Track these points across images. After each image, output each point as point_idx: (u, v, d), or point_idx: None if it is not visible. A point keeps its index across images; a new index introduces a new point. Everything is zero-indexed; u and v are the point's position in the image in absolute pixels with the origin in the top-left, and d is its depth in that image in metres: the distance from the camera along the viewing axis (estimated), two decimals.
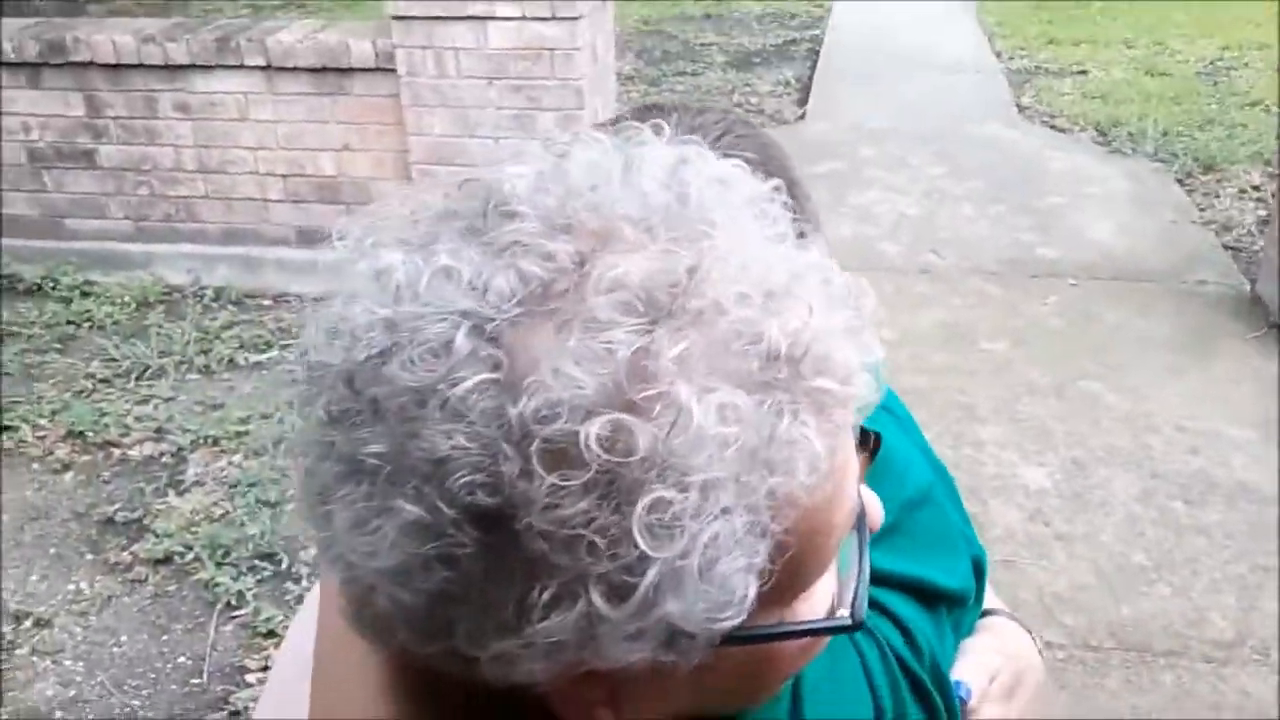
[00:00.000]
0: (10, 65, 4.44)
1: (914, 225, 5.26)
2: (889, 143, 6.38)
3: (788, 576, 0.52)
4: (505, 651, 0.48)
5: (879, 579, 0.72)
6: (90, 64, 4.41)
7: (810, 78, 7.76)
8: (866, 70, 7.84)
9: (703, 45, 8.73)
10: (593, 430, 0.44)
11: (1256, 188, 5.50)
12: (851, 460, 0.55)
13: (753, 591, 0.49)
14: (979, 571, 0.89)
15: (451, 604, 0.48)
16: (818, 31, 9.14)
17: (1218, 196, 5.49)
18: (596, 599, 0.46)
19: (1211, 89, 7.18)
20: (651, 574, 0.46)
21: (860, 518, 0.58)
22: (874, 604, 0.73)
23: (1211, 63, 7.79)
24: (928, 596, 0.77)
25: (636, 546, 0.45)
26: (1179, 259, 4.82)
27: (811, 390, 0.48)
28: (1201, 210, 5.35)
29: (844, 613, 0.57)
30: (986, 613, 0.93)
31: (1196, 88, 7.18)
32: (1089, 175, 5.81)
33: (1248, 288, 4.51)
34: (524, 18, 3.99)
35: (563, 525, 0.45)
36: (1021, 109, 6.97)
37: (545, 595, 0.46)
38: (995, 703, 0.82)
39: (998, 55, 8.26)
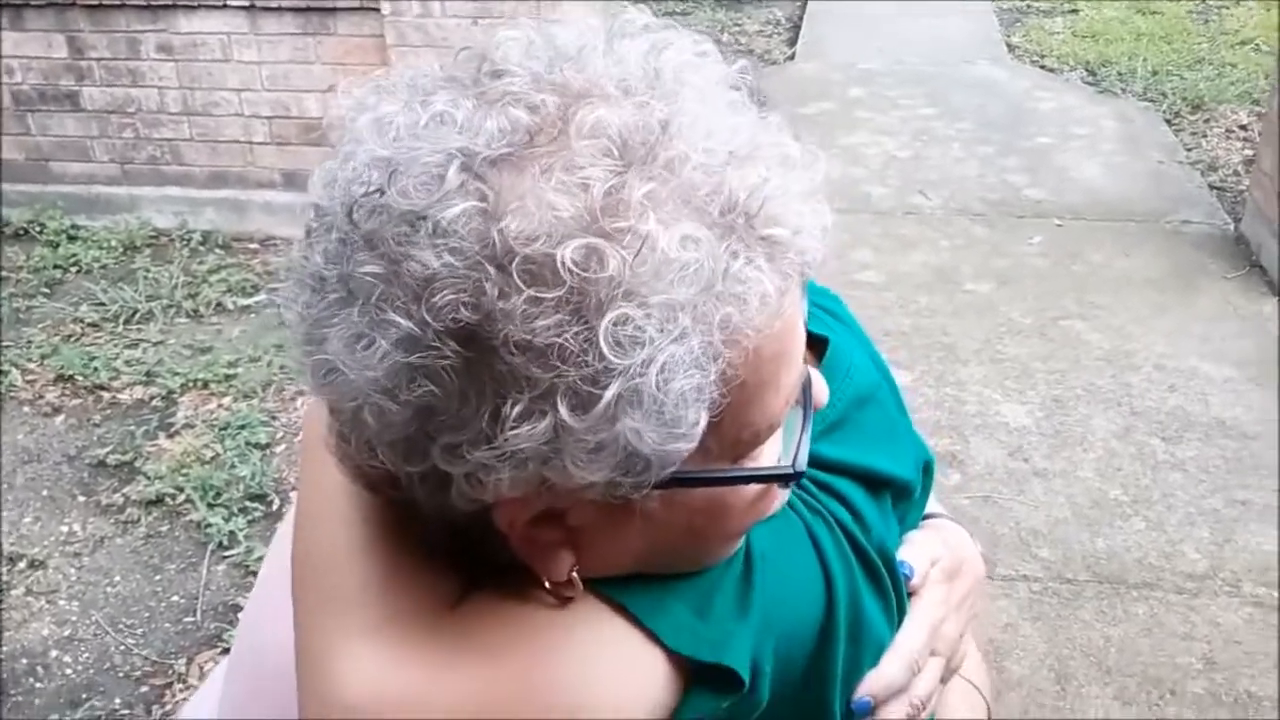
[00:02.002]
0: None
1: (902, 167, 5.25)
2: (878, 83, 6.35)
3: (735, 418, 0.57)
4: (479, 463, 0.52)
5: (828, 466, 0.78)
6: (72, 4, 4.37)
7: (800, 17, 7.69)
8: (856, 10, 7.76)
9: None
10: (567, 251, 0.49)
11: (1244, 127, 5.49)
12: (799, 321, 0.60)
13: (703, 420, 0.54)
14: (927, 471, 0.94)
15: (431, 417, 0.52)
16: None
17: (1205, 136, 5.49)
18: (563, 410, 0.51)
19: (1203, 27, 7.14)
20: (614, 386, 0.50)
21: (805, 390, 0.63)
22: (823, 486, 0.77)
23: (1203, 1, 7.73)
24: (874, 484, 0.82)
25: (602, 357, 0.50)
26: (1165, 199, 4.83)
27: (765, 237, 0.53)
28: (1189, 150, 5.35)
29: (785, 463, 0.62)
30: (930, 516, 0.97)
31: (1187, 26, 7.14)
32: (1078, 115, 5.79)
33: (1232, 227, 4.53)
34: None
35: (536, 337, 0.50)
36: (1011, 48, 6.93)
37: (517, 408, 0.51)
38: (938, 584, 0.86)
39: None
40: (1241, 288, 4.10)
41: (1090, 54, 6.59)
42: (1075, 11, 7.51)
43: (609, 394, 0.51)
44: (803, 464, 0.62)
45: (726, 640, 0.66)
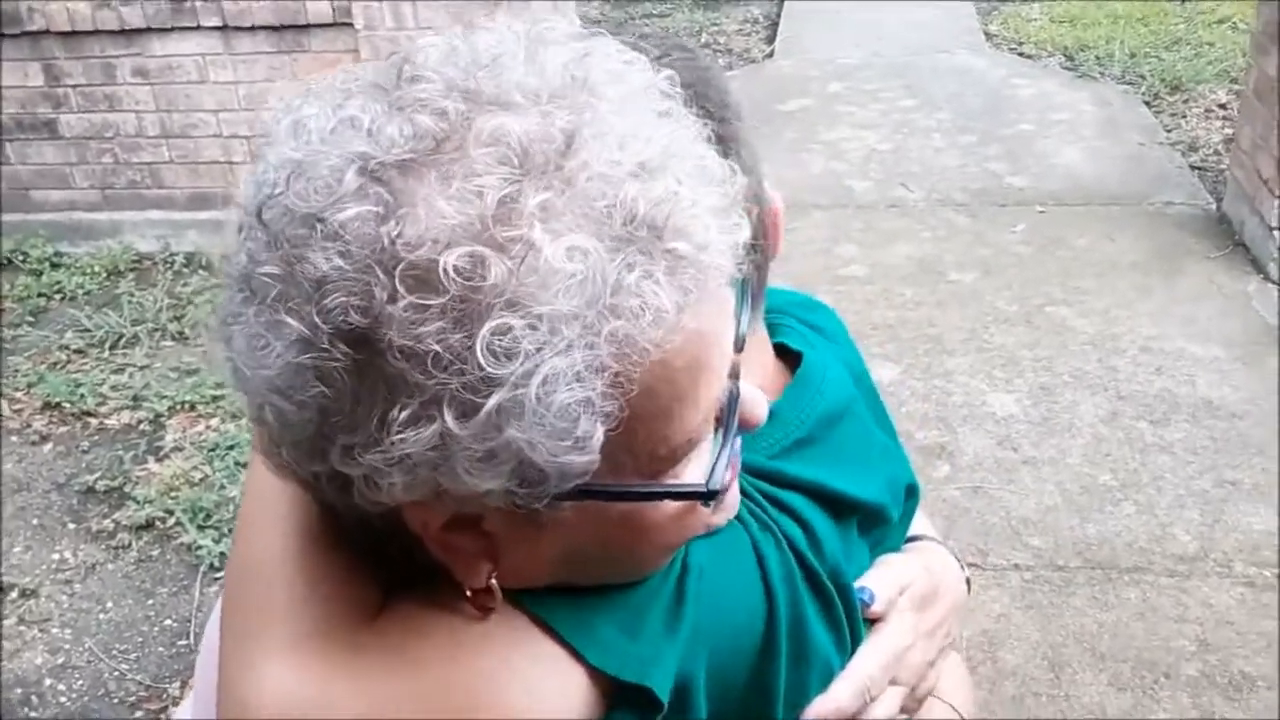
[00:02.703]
0: None
1: (883, 160, 5.26)
2: (858, 77, 6.36)
3: (648, 432, 0.56)
4: (372, 467, 0.52)
5: (787, 483, 0.76)
6: (46, 32, 4.37)
7: (778, 15, 7.69)
8: (833, 5, 7.77)
9: None
10: (451, 259, 0.49)
11: (1223, 106, 5.50)
12: (720, 335, 0.59)
13: (598, 433, 0.53)
14: (910, 495, 0.92)
15: (326, 419, 0.53)
16: None
17: (1184, 117, 5.50)
18: (448, 418, 0.51)
19: (1179, 8, 7.14)
20: (495, 396, 0.50)
21: (730, 406, 0.62)
22: (777, 503, 0.76)
23: None
24: (836, 506, 0.80)
25: (480, 367, 0.50)
26: (1146, 181, 4.84)
27: (667, 251, 0.53)
28: (1168, 131, 5.36)
29: (700, 480, 0.61)
30: (916, 539, 0.95)
31: (1164, 7, 7.15)
32: (1057, 101, 5.80)
33: (1214, 207, 4.54)
34: None
35: (419, 343, 0.50)
36: (989, 37, 6.93)
37: (404, 413, 0.51)
38: (906, 611, 0.84)
39: None
40: (1225, 267, 4.11)
41: (1068, 39, 6.60)
42: None
43: (490, 403, 0.51)
44: (718, 482, 0.60)
45: (652, 659, 0.65)
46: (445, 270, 0.49)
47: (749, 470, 0.74)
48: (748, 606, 0.71)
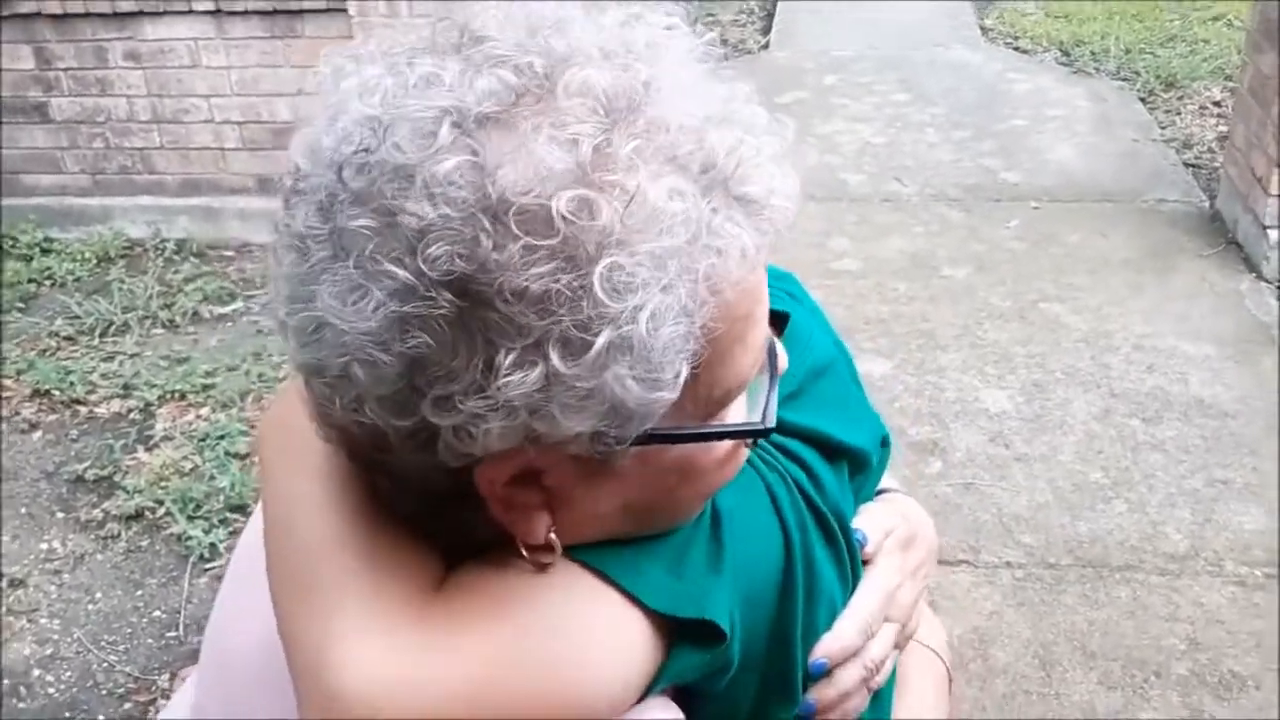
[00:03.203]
0: None
1: (878, 153, 5.25)
2: (853, 70, 6.35)
3: (709, 375, 0.59)
4: (470, 414, 0.53)
5: (786, 430, 0.80)
6: (38, 15, 4.33)
7: (774, 6, 7.67)
8: None
9: None
10: (561, 202, 0.51)
11: (1217, 104, 5.50)
12: (764, 286, 0.62)
13: (684, 371, 0.56)
14: (884, 444, 0.97)
15: (423, 369, 0.53)
16: None
17: (1179, 114, 5.50)
18: (555, 358, 0.52)
19: (1174, 5, 7.13)
20: (606, 333, 0.52)
21: (771, 354, 0.66)
22: (781, 449, 0.80)
23: None
24: (829, 450, 0.84)
25: (596, 303, 0.52)
26: (1140, 178, 4.84)
27: (741, 196, 0.56)
28: (1163, 128, 5.36)
29: (755, 418, 0.65)
30: (884, 491, 0.99)
31: (1159, 4, 7.14)
32: (1052, 97, 5.80)
33: (1207, 204, 4.54)
34: None
35: (531, 284, 0.51)
36: (985, 31, 6.92)
37: (510, 357, 0.53)
38: (892, 552, 0.88)
39: None
40: (1218, 265, 4.11)
41: (1063, 34, 6.59)
42: None
43: (601, 340, 0.52)
44: (772, 420, 0.64)
45: (704, 595, 0.68)
46: (557, 212, 0.51)
47: None
48: (770, 546, 0.75)
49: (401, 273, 0.52)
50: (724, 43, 6.96)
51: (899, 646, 0.89)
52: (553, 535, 0.63)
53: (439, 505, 0.63)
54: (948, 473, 3.12)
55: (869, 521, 0.88)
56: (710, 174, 0.55)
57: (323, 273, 0.55)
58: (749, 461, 0.74)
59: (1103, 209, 4.57)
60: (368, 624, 0.61)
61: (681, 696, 0.72)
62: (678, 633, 0.67)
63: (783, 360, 0.71)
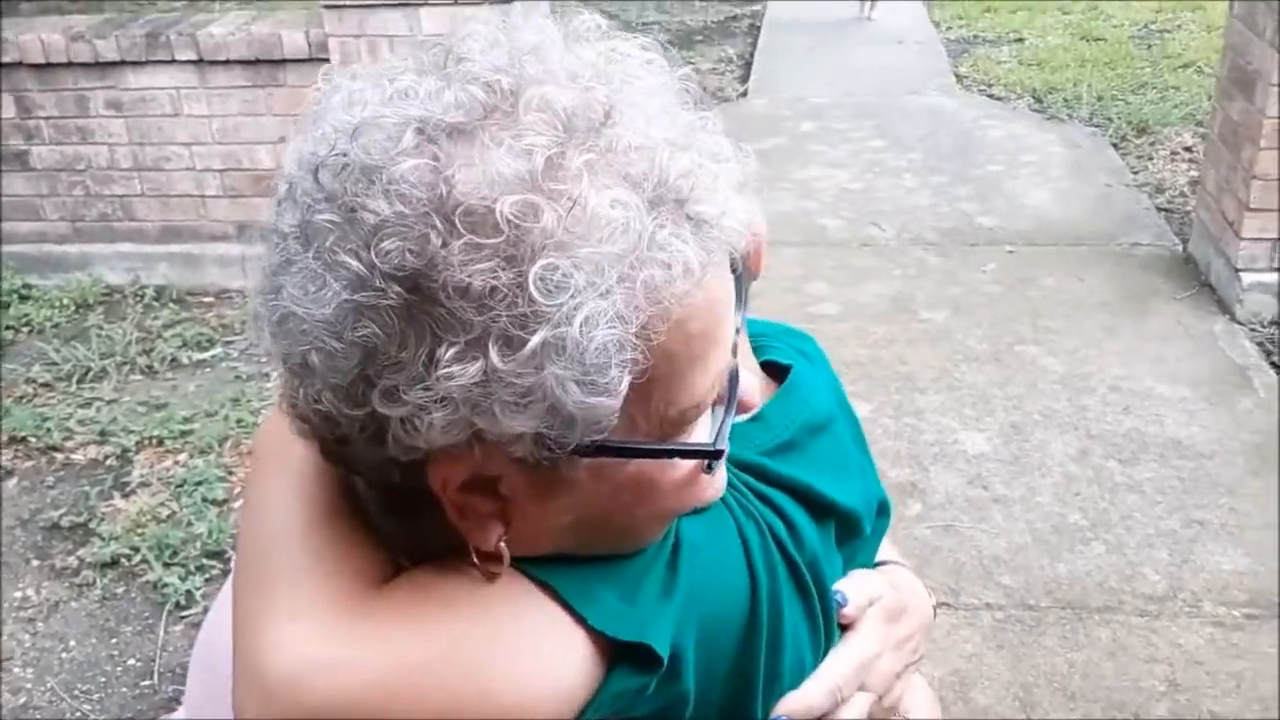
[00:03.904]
0: None
1: (855, 199, 5.31)
2: (830, 117, 6.43)
3: (662, 394, 0.61)
4: (414, 405, 0.56)
5: (771, 480, 0.80)
6: (20, 64, 4.36)
7: (752, 54, 7.79)
8: (807, 45, 7.88)
9: (644, 24, 8.72)
10: (506, 205, 0.54)
11: (1189, 149, 5.60)
12: (726, 308, 0.64)
13: (625, 380, 0.57)
14: (882, 512, 0.96)
15: (373, 359, 0.56)
16: (759, 7, 9.17)
17: (1151, 159, 5.59)
18: (493, 353, 0.55)
19: (1145, 53, 7.28)
20: (541, 332, 0.55)
21: (732, 380, 0.67)
22: (761, 496, 0.79)
23: (1145, 26, 7.90)
24: (817, 508, 0.83)
25: (531, 301, 0.54)
26: (1114, 222, 4.90)
27: (693, 216, 0.58)
28: (1135, 173, 5.44)
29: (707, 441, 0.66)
30: (885, 563, 0.98)
31: (1130, 52, 7.28)
32: (1026, 143, 5.88)
33: (1180, 248, 4.60)
34: (456, 2, 3.98)
35: (473, 280, 0.54)
36: (960, 78, 7.03)
37: (451, 350, 0.55)
38: (877, 621, 0.87)
39: (936, 25, 8.33)
40: (1192, 307, 4.16)
41: (1037, 81, 6.70)
42: (1021, 40, 7.65)
43: (536, 339, 0.55)
44: (723, 444, 0.65)
45: (648, 621, 0.68)
46: (501, 214, 0.54)
47: (736, 464, 0.78)
48: (733, 585, 0.74)
49: (356, 264, 0.55)
50: (703, 89, 7.05)
51: (875, 718, 0.86)
52: (503, 545, 0.65)
53: (401, 507, 0.66)
54: (927, 515, 3.13)
55: (853, 585, 0.87)
56: (660, 191, 0.57)
57: (290, 264, 0.58)
58: (723, 502, 0.74)
59: (1078, 253, 4.63)
60: (302, 611, 0.64)
61: None
62: (617, 655, 0.68)
63: (749, 395, 0.70)
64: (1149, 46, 7.39)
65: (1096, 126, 6.04)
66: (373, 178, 0.55)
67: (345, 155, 0.57)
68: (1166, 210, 5.02)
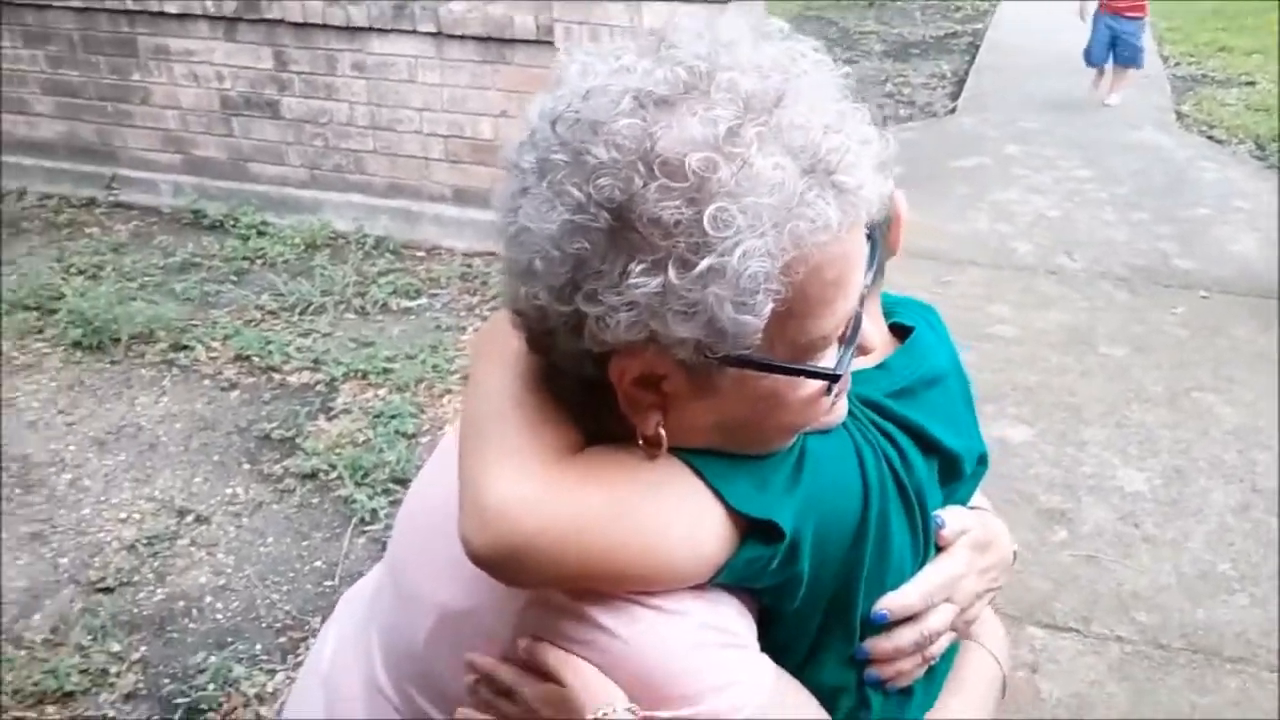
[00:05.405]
0: (211, 19, 4.88)
1: (1051, 226, 5.27)
2: (1038, 142, 6.36)
3: (798, 325, 0.76)
4: (608, 306, 0.72)
5: (889, 416, 0.95)
6: (281, 21, 4.80)
7: (966, 72, 7.74)
8: (1024, 68, 7.78)
9: (862, 33, 8.77)
10: (694, 159, 0.69)
11: None
12: (859, 263, 0.79)
13: (769, 306, 0.73)
14: (981, 461, 1.08)
15: (581, 267, 0.73)
16: (980, 25, 9.07)
17: None
18: (671, 272, 0.71)
19: None
20: (708, 259, 0.70)
21: (856, 322, 0.82)
22: (879, 428, 0.94)
23: None
24: (926, 445, 0.97)
25: (704, 233, 0.70)
26: None
27: (836, 184, 0.73)
28: None
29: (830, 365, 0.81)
30: (977, 508, 1.10)
31: None
32: (1240, 189, 5.70)
33: None
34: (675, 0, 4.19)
35: (663, 214, 0.70)
36: (1180, 117, 6.83)
37: (639, 266, 0.71)
38: (967, 548, 1.00)
39: (1164, 60, 8.08)
40: None
41: (1262, 127, 6.46)
42: (1252, 84, 7.35)
43: (704, 263, 0.70)
44: (842, 368, 0.80)
45: (776, 504, 0.83)
46: (689, 166, 0.69)
47: (862, 401, 0.93)
48: (849, 492, 0.88)
49: (577, 194, 0.71)
50: (911, 103, 7.07)
51: (956, 629, 0.99)
52: (661, 430, 0.80)
53: (587, 393, 0.81)
54: (1072, 543, 3.17)
55: (951, 514, 0.99)
56: (813, 162, 0.71)
57: (526, 192, 0.74)
58: (845, 426, 0.89)
59: (1273, 306, 4.50)
60: (517, 461, 0.81)
61: (760, 621, 0.88)
62: (748, 530, 0.82)
63: (870, 337, 0.86)
64: None
65: None
66: (597, 130, 0.71)
67: (578, 112, 0.72)
68: None
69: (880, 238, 0.98)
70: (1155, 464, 3.54)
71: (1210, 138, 6.49)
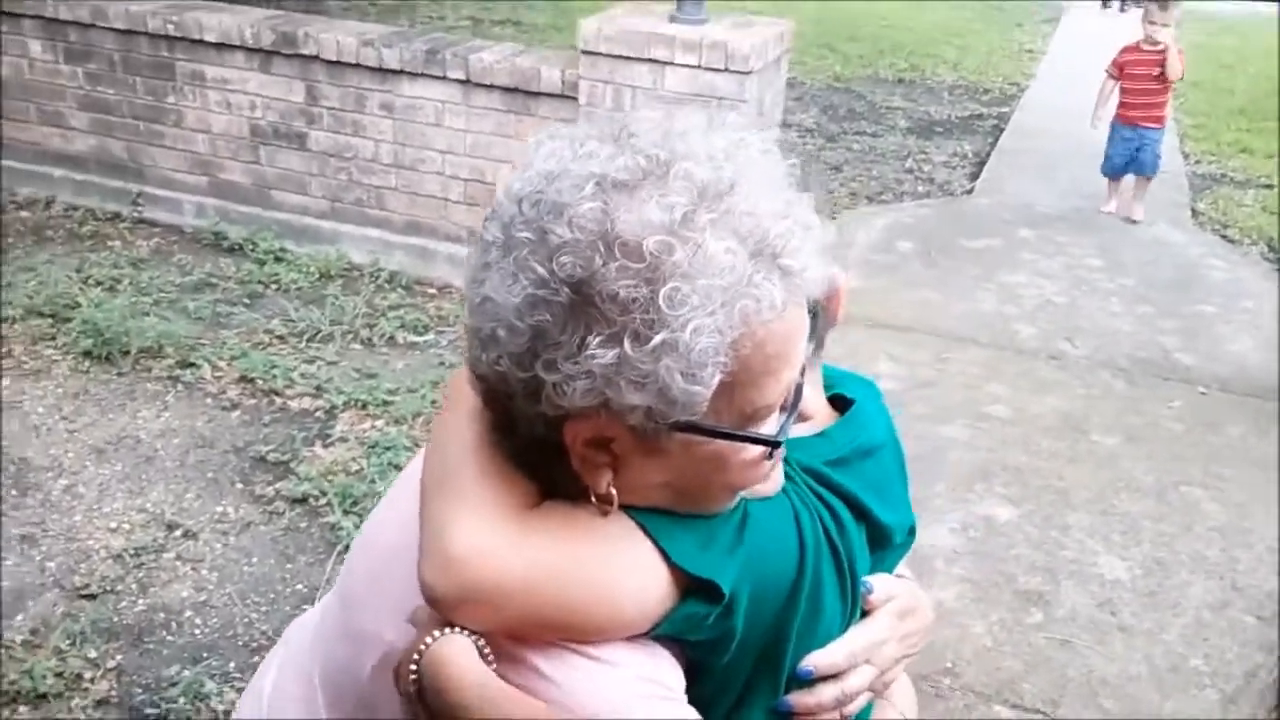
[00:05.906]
0: (249, 50, 5.02)
1: (1056, 312, 5.32)
2: (1050, 227, 6.44)
3: (742, 394, 0.82)
4: (565, 375, 0.78)
5: (827, 484, 1.01)
6: (315, 58, 4.93)
7: (988, 153, 7.84)
8: (1047, 152, 7.86)
9: (889, 109, 8.89)
10: (651, 241, 0.75)
11: None
12: (800, 339, 0.86)
13: (716, 378, 0.79)
14: (910, 533, 1.15)
15: (542, 337, 0.78)
16: (1006, 109, 9.19)
17: None
18: (627, 345, 0.76)
19: None
20: (662, 334, 0.76)
21: (796, 392, 0.89)
22: (816, 494, 0.99)
23: None
24: (859, 514, 1.03)
25: (659, 311, 0.75)
26: None
27: (783, 266, 0.79)
28: None
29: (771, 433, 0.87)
30: (902, 576, 1.16)
31: None
32: (1248, 289, 5.74)
33: None
34: (699, 66, 4.30)
35: (621, 291, 0.75)
36: (1195, 214, 6.89)
37: (598, 339, 0.76)
38: (891, 614, 1.06)
39: (1185, 156, 8.15)
40: None
41: (1274, 230, 6.51)
42: (1270, 187, 7.41)
43: (658, 338, 0.76)
44: (783, 436, 0.86)
45: (717, 565, 0.89)
46: (646, 248, 0.75)
47: (801, 468, 0.99)
48: (786, 553, 0.94)
49: (540, 270, 0.76)
50: (930, 181, 7.16)
51: (874, 690, 1.05)
52: (612, 490, 0.86)
53: (540, 453, 0.86)
54: (1047, 625, 3.18)
55: (878, 581, 1.05)
56: (760, 246, 0.77)
57: (494, 265, 0.80)
58: (785, 490, 0.95)
59: (1270, 408, 4.52)
60: (482, 512, 0.86)
61: (687, 673, 0.92)
62: (689, 587, 0.88)
63: (809, 406, 0.93)
64: None
65: None
66: (561, 211, 0.76)
67: (543, 193, 0.78)
68: None
69: (821, 311, 1.05)
70: (1137, 553, 3.56)
71: (1224, 237, 6.54)
